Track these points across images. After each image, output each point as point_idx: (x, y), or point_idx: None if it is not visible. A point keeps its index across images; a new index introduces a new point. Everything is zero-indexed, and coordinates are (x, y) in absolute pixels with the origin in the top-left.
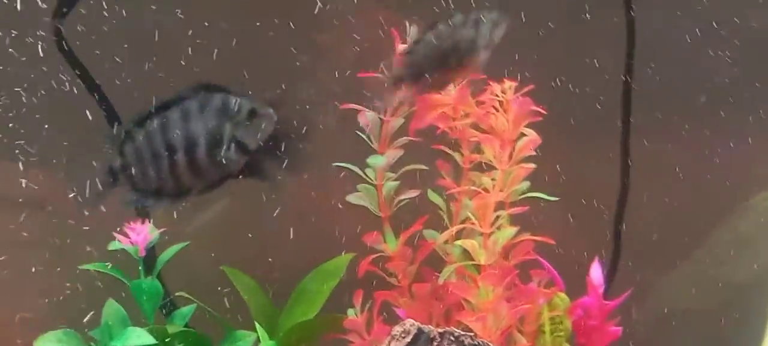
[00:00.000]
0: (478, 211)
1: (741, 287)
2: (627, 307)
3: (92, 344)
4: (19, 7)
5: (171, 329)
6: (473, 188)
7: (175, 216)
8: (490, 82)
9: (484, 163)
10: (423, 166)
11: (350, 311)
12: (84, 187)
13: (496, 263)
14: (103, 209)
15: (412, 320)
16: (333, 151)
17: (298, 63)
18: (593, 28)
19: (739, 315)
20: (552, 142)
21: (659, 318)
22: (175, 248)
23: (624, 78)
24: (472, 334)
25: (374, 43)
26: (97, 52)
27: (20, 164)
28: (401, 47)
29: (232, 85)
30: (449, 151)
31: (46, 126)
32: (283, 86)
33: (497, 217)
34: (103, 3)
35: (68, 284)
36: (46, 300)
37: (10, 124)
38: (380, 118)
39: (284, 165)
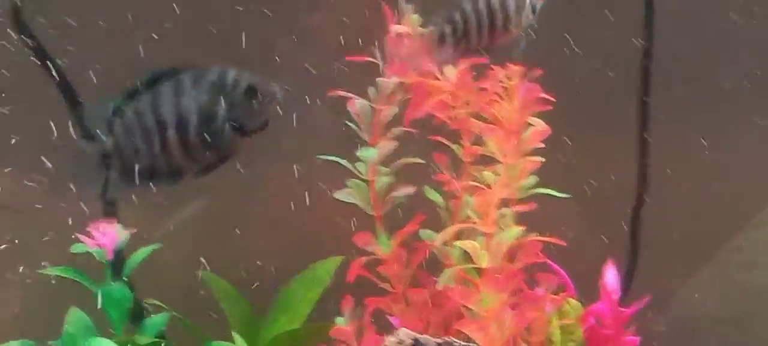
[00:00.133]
0: (479, 209)
1: None
2: (645, 314)
3: None
4: None
5: (141, 339)
6: (474, 183)
7: (145, 216)
8: (493, 67)
9: (488, 155)
10: (419, 160)
11: (339, 320)
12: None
13: (500, 267)
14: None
15: (407, 330)
16: (320, 144)
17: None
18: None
19: None
20: (562, 132)
21: (681, 327)
22: (145, 251)
23: (641, 60)
24: (473, 345)
25: (362, 24)
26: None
27: None
28: (396, 28)
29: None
30: (448, 143)
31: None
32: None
33: (501, 215)
34: None
35: (28, 290)
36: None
37: None
38: (371, 106)
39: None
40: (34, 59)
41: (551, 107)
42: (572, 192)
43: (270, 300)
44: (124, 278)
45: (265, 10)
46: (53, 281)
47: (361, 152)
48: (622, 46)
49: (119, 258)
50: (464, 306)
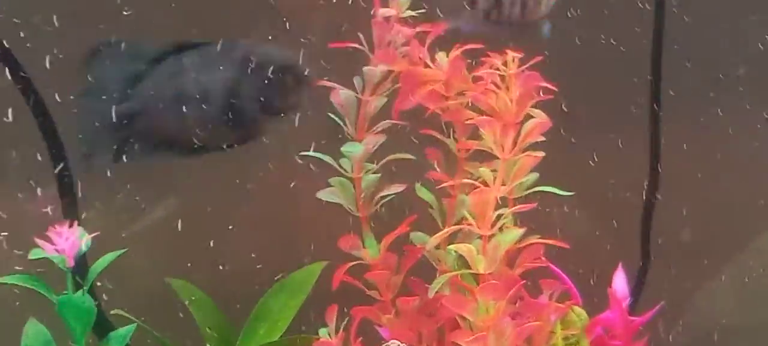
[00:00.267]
0: (475, 209)
1: None
2: (657, 323)
3: None
4: None
5: None
6: (470, 181)
7: (110, 217)
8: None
9: (484, 150)
10: (410, 156)
11: (322, 331)
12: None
13: (498, 272)
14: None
15: (397, 342)
16: (301, 138)
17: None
18: None
19: None
20: (565, 125)
21: (696, 337)
22: (110, 257)
23: (651, 49)
24: None
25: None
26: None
27: None
28: (382, 11)
29: None
30: (441, 137)
31: None
32: None
33: (499, 216)
34: None
35: None
36: None
37: None
38: (357, 97)
39: None
40: None
41: (552, 97)
42: (577, 190)
43: (247, 309)
44: (87, 287)
45: None
46: (17, 291)
47: (345, 148)
48: (634, 36)
49: (82, 264)
50: (459, 316)
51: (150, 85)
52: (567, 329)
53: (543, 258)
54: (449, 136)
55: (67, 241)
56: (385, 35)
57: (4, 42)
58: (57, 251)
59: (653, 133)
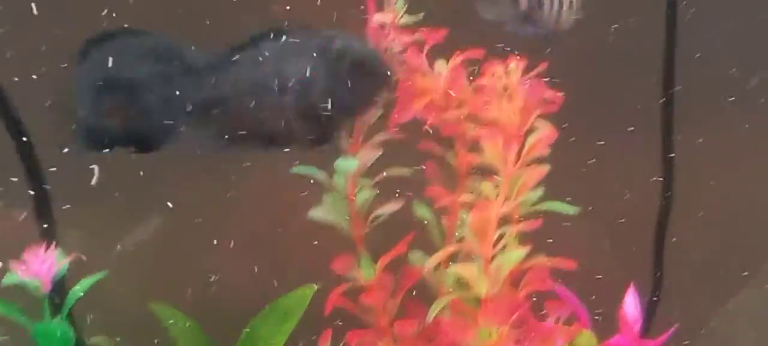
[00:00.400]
0: (477, 227)
1: None
2: None
3: None
4: None
5: None
6: (470, 197)
7: (90, 238)
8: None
9: (486, 165)
10: (407, 171)
11: None
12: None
13: (501, 294)
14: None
15: None
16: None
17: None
18: None
19: None
20: (573, 138)
21: None
22: (89, 281)
23: (664, 53)
24: None
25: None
26: None
27: None
28: (378, 16)
29: None
30: (440, 151)
31: None
32: None
33: (501, 235)
34: None
35: None
36: None
37: None
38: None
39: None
40: None
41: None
42: (585, 207)
43: (235, 335)
44: (65, 313)
45: None
46: None
47: (339, 162)
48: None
49: (59, 289)
50: (460, 341)
51: (228, 77)
52: None
53: (549, 280)
54: (449, 150)
55: (44, 264)
56: (380, 43)
57: None
58: (33, 274)
59: (665, 147)
